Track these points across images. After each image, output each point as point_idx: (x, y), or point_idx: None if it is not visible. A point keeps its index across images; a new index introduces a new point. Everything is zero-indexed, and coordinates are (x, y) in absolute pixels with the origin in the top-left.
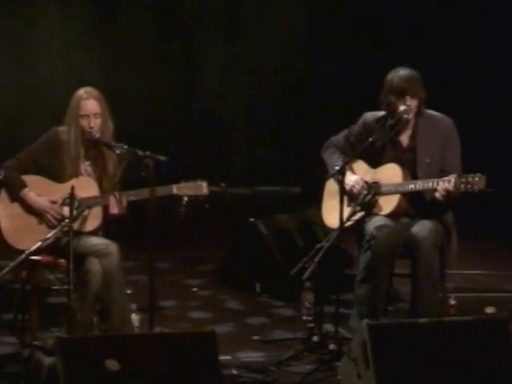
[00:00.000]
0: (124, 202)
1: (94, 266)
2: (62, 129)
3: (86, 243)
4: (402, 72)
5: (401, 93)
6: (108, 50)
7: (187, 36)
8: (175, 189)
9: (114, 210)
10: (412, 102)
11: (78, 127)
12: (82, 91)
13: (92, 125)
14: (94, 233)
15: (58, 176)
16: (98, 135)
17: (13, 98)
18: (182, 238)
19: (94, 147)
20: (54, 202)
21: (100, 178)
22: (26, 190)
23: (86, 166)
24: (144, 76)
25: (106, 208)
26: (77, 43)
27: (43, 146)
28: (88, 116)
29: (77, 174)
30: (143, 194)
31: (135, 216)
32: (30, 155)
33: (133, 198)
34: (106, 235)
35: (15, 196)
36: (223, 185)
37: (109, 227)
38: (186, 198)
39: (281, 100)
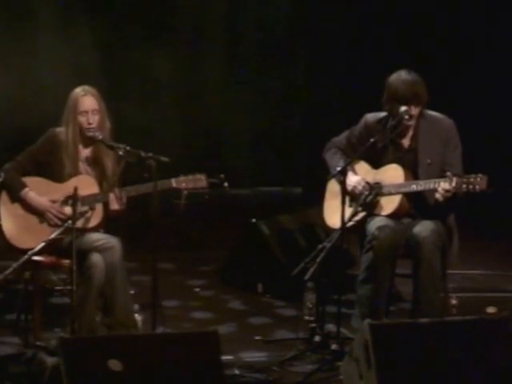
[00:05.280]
0: (124, 198)
1: (97, 260)
2: (60, 129)
3: (87, 240)
4: (406, 78)
5: (405, 102)
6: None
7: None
8: (174, 182)
9: (115, 206)
10: (416, 110)
11: (76, 125)
12: (79, 89)
13: (91, 121)
14: (95, 230)
15: (57, 176)
16: (100, 136)
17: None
18: (184, 238)
19: (91, 146)
20: (54, 202)
21: (99, 176)
22: (26, 190)
23: (85, 166)
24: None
25: (106, 205)
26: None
27: (42, 147)
28: (86, 112)
29: (76, 173)
30: (142, 189)
31: (137, 216)
32: (29, 156)
33: (133, 194)
34: (107, 232)
35: (16, 197)
36: (222, 176)
37: (110, 225)
38: (185, 192)
39: (282, 100)
